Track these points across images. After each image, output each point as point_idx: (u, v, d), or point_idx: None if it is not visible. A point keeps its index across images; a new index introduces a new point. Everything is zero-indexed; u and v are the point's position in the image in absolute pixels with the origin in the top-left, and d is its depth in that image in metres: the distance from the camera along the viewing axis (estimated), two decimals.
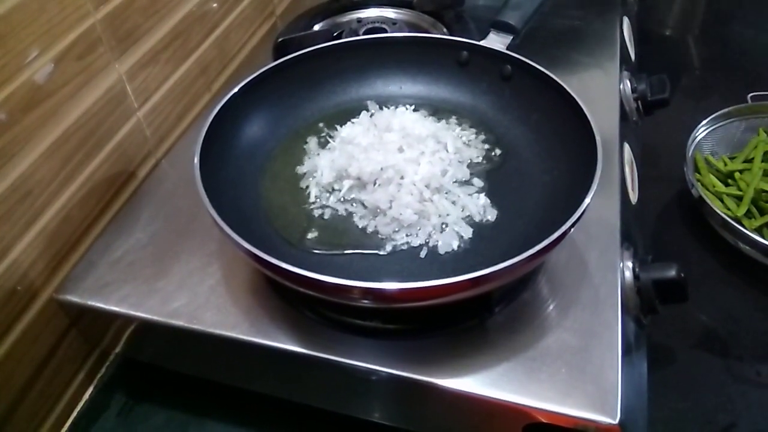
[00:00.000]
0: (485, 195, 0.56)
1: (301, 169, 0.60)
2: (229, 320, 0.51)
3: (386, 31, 0.80)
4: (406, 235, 0.53)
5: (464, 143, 0.61)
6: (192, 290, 0.53)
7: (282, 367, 0.53)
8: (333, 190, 0.58)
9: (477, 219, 0.54)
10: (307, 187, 0.58)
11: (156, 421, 0.59)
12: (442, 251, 0.52)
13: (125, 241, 0.57)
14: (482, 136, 0.62)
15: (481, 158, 0.60)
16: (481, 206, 0.55)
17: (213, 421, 0.58)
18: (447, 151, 0.59)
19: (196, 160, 0.50)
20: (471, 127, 0.63)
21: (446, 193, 0.56)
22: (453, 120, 0.64)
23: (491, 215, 0.54)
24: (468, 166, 0.59)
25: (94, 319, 0.57)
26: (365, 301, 0.44)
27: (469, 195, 0.56)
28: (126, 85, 0.61)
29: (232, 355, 0.54)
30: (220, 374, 0.58)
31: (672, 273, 0.50)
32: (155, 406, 0.60)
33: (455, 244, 0.52)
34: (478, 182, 0.57)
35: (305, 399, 0.56)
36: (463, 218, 0.54)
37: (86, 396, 0.60)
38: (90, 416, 0.59)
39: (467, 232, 0.53)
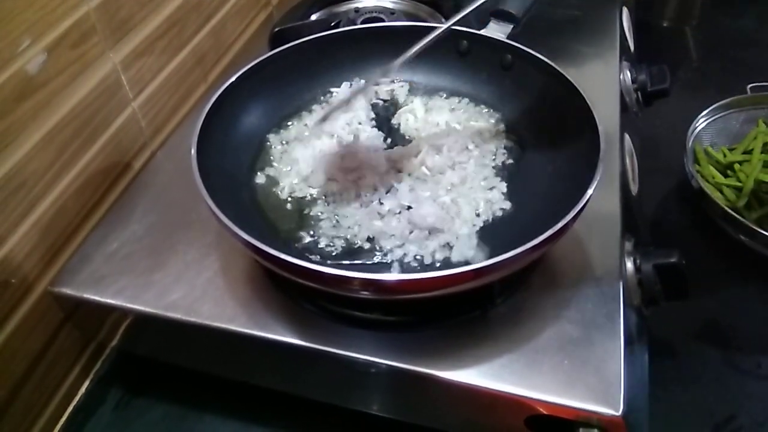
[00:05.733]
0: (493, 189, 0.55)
1: (299, 160, 0.59)
2: (227, 312, 0.50)
3: (384, 21, 0.79)
4: (408, 223, 0.52)
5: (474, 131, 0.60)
6: (189, 282, 0.52)
7: (280, 360, 0.52)
8: (330, 181, 0.57)
9: (482, 209, 0.53)
10: (305, 179, 0.57)
11: (153, 415, 0.58)
12: (446, 242, 0.51)
13: (121, 233, 0.57)
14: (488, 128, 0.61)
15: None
16: (488, 199, 0.54)
17: (211, 415, 0.58)
18: (454, 144, 0.58)
19: (193, 150, 0.50)
20: (478, 116, 0.62)
21: (457, 186, 0.55)
22: (458, 110, 0.63)
23: (497, 207, 0.54)
24: (476, 159, 0.58)
25: (89, 313, 0.56)
26: (365, 293, 0.44)
27: (478, 187, 0.55)
28: (121, 75, 0.60)
29: (229, 347, 0.53)
30: (218, 367, 0.58)
31: (673, 258, 0.50)
32: (152, 400, 0.59)
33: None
34: (492, 177, 0.56)
35: (304, 392, 0.56)
36: (468, 209, 0.53)
37: (82, 390, 0.59)
38: (86, 410, 0.58)
39: (473, 223, 0.52)
